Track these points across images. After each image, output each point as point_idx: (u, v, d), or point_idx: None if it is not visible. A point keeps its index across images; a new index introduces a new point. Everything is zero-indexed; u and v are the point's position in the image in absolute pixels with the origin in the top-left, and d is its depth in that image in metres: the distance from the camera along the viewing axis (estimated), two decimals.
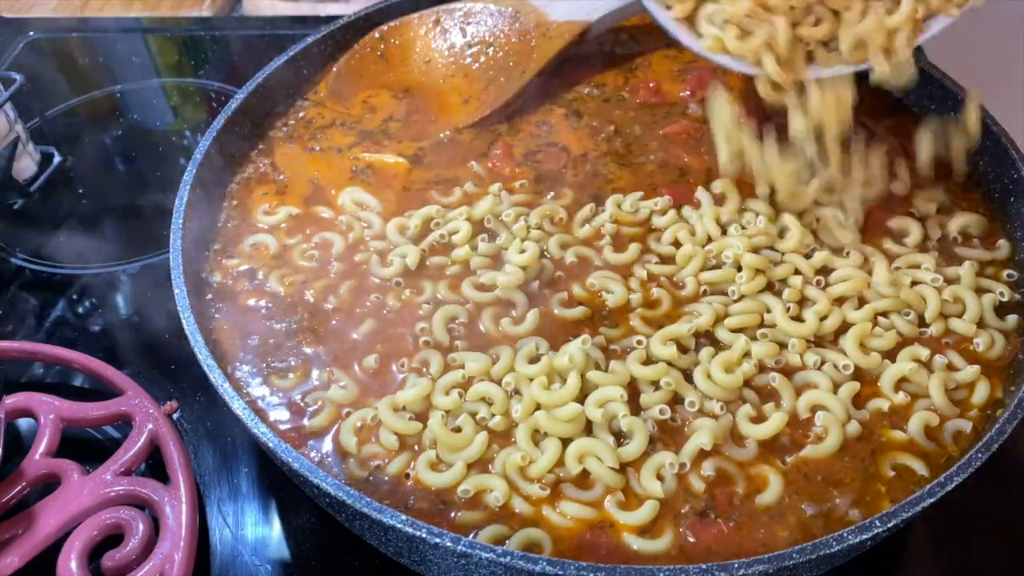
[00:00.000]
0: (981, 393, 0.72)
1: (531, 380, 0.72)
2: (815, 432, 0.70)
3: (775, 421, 0.70)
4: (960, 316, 0.77)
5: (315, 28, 1.05)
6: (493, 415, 0.71)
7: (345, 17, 1.05)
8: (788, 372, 0.74)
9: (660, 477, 0.67)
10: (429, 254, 0.84)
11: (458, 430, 0.70)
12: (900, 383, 0.73)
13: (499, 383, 0.72)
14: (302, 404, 0.73)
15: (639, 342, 0.75)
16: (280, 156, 0.96)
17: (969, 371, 0.73)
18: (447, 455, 0.69)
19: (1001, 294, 0.78)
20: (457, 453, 0.69)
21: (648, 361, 0.74)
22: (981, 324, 0.77)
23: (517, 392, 0.72)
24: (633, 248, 0.84)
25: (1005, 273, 0.81)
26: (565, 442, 0.69)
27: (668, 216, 0.86)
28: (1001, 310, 0.78)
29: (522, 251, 0.82)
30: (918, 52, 0.82)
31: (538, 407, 0.71)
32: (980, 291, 0.79)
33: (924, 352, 0.74)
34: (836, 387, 0.73)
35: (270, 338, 0.78)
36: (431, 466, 0.69)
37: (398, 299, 0.80)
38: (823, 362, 0.74)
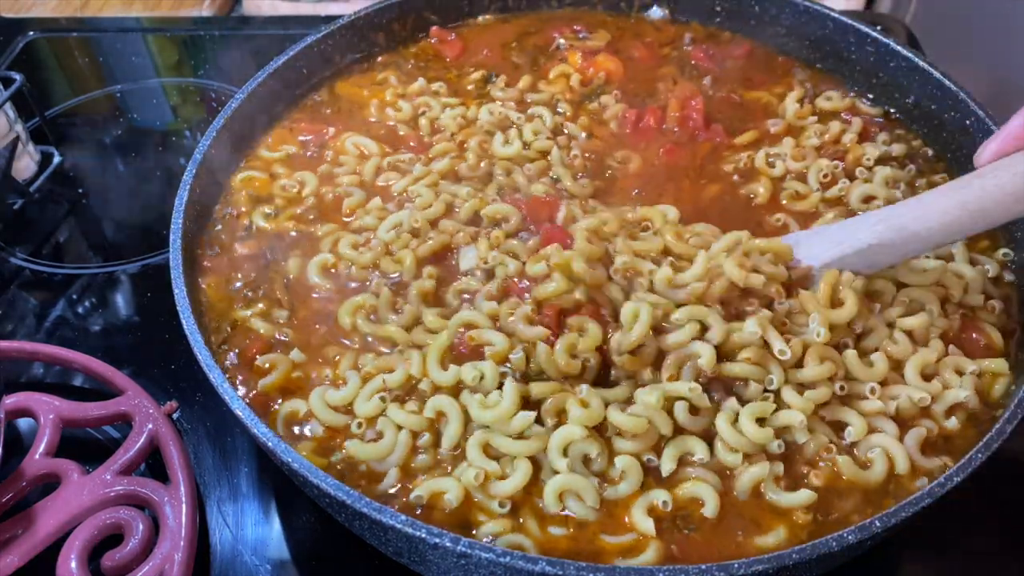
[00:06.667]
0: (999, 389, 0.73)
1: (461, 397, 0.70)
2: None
3: (803, 496, 0.66)
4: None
5: (315, 28, 1.05)
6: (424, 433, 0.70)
7: (345, 17, 1.05)
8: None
9: (653, 514, 0.65)
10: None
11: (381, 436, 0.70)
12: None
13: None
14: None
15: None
16: (274, 157, 0.96)
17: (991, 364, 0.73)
18: (376, 465, 0.69)
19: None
20: (383, 461, 0.69)
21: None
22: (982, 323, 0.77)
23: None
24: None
25: (1006, 276, 0.82)
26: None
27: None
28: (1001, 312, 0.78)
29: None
30: (919, 52, 0.81)
31: (468, 420, 0.69)
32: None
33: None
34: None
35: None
36: (371, 477, 0.69)
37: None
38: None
